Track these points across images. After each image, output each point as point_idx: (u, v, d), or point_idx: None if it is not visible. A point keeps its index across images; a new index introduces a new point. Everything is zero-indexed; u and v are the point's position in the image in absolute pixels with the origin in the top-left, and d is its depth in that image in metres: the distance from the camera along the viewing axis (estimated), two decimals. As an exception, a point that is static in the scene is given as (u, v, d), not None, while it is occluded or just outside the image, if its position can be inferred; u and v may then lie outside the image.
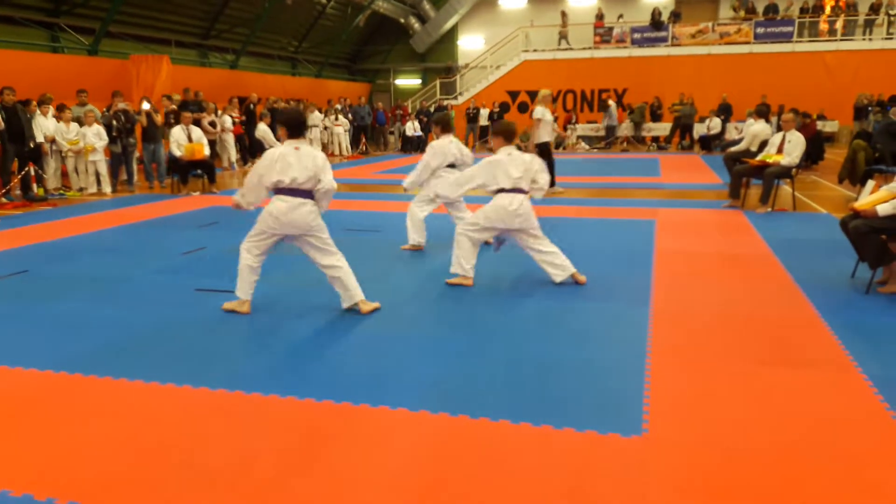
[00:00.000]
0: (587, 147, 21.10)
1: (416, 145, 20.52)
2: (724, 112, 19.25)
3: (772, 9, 22.75)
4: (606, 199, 9.91)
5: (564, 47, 24.11)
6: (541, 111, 10.39)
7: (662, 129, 21.14)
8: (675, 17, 23.45)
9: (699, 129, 19.64)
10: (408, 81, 29.86)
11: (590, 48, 23.78)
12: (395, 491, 2.38)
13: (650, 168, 14.52)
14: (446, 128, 6.51)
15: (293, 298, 4.87)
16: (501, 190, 5.14)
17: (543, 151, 10.23)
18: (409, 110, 23.05)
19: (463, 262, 5.20)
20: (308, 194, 4.34)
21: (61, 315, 4.53)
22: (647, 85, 22.30)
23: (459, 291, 4.99)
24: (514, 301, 4.74)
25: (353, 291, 4.48)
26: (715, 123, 18.92)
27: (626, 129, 21.27)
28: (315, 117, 17.80)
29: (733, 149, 10.19)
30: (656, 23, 22.97)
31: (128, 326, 4.26)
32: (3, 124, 9.44)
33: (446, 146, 6.40)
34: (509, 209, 5.03)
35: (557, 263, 5.15)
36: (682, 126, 20.11)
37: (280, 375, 3.43)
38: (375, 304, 4.55)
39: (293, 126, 4.33)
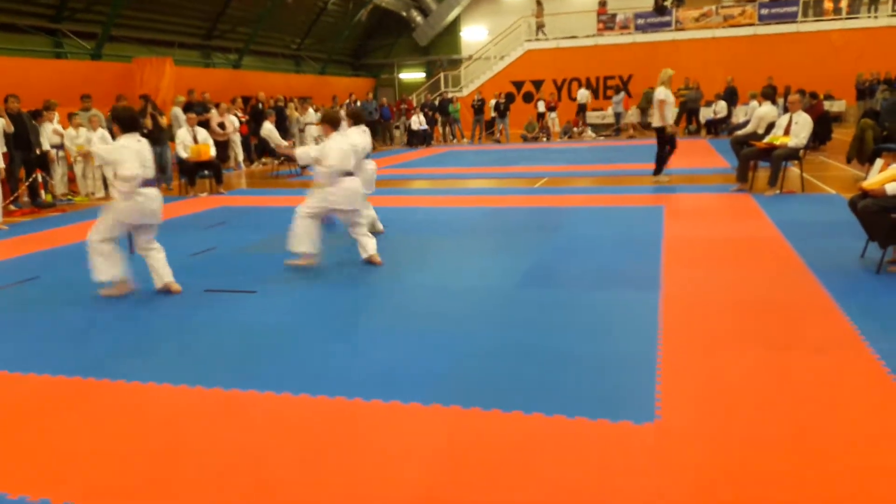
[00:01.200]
0: (594, 135, 21.00)
1: (421, 139, 20.50)
2: (730, 95, 19.09)
3: (775, -11, 22.53)
4: (614, 186, 9.86)
5: (541, 38, 23.98)
6: (663, 92, 9.71)
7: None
8: (679, 1, 23.27)
9: (705, 114, 19.50)
10: (412, 75, 29.81)
11: (593, 35, 23.64)
12: (409, 484, 2.39)
13: (657, 154, 14.41)
14: (336, 125, 5.98)
15: (299, 295, 4.88)
16: (349, 173, 5.60)
17: (664, 136, 9.79)
18: (414, 104, 23.01)
19: (309, 242, 5.54)
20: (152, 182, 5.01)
21: (73, 320, 4.57)
22: (652, 71, 21.94)
23: (466, 284, 4.99)
24: (522, 292, 4.73)
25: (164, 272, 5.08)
26: (721, 107, 18.78)
27: (632, 115, 21.15)
28: (310, 115, 17.75)
29: (740, 132, 10.11)
30: (660, 8, 22.79)
31: (139, 329, 4.29)
32: (12, 128, 9.50)
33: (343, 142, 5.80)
34: (359, 192, 5.65)
35: (366, 244, 5.66)
36: (689, 111, 19.96)
37: (292, 374, 3.45)
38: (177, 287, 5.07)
39: (126, 122, 4.87)
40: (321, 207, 5.63)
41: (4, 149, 9.42)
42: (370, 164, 6.71)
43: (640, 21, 23.08)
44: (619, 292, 4.60)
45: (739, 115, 17.71)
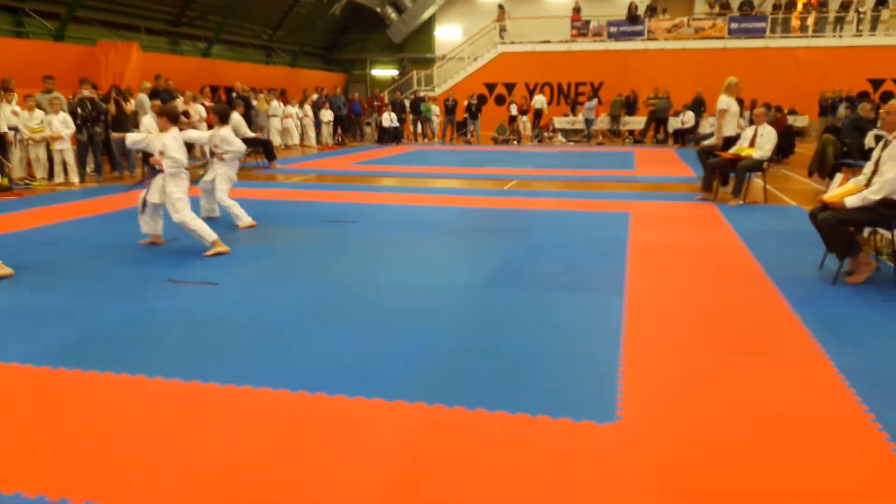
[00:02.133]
0: (564, 140, 21.19)
1: (392, 136, 20.43)
2: (698, 106, 19.45)
3: (746, 4, 23.03)
4: (582, 191, 9.96)
5: (506, 41, 24.17)
6: (726, 101, 9.05)
7: (638, 122, 21.31)
8: (652, 11, 23.62)
9: (674, 123, 19.83)
10: (384, 72, 29.70)
11: (567, 41, 23.85)
12: (373, 480, 2.37)
13: (625, 161, 14.63)
14: (224, 119, 7.17)
15: (265, 289, 4.82)
16: None
17: (727, 147, 8.86)
18: (386, 101, 22.93)
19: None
20: None
21: (28, 307, 4.44)
22: (623, 79, 22.43)
23: (433, 282, 4.98)
24: (488, 292, 4.75)
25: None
26: (688, 117, 19.12)
27: (602, 122, 21.40)
28: (274, 107, 17.58)
29: (706, 142, 10.29)
30: (633, 17, 23.11)
31: (97, 319, 4.19)
32: None
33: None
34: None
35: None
36: (657, 120, 20.28)
37: (254, 368, 3.40)
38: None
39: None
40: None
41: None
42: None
43: (613, 29, 23.37)
44: (584, 295, 4.64)
45: (706, 126, 18.06)
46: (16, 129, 10.39)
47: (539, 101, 21.84)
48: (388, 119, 20.51)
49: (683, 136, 19.13)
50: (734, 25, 22.35)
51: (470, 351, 3.60)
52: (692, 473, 2.41)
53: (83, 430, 2.75)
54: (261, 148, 13.46)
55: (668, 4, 24.44)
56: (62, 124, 10.56)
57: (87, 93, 11.16)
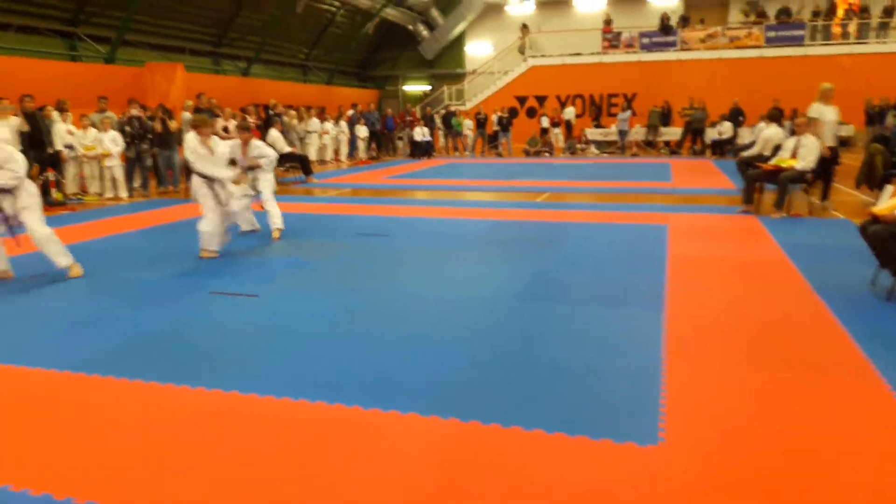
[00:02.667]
0: (597, 151, 21.05)
1: (424, 150, 20.55)
2: (736, 116, 19.15)
3: (783, 12, 22.64)
4: (617, 203, 9.86)
5: (539, 54, 24.17)
6: (818, 109, 8.44)
7: (673, 133, 21.07)
8: (685, 21, 23.40)
9: (710, 134, 19.55)
10: (416, 88, 29.93)
11: (598, 53, 23.74)
12: (403, 497, 2.36)
13: (661, 173, 14.46)
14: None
15: (301, 300, 4.87)
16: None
17: (823, 157, 8.38)
18: (418, 116, 23.11)
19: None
20: None
21: (79, 316, 4.56)
22: (656, 90, 22.23)
23: (466, 295, 4.97)
24: (522, 305, 4.72)
25: None
26: (726, 128, 18.83)
27: (636, 133, 21.22)
28: (313, 124, 17.90)
29: (746, 153, 10.12)
30: (665, 27, 22.92)
31: (144, 328, 4.28)
32: (27, 127, 9.57)
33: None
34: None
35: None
36: (693, 131, 20.02)
37: (291, 378, 3.42)
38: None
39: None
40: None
41: (20, 147, 9.45)
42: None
43: (646, 40, 23.21)
44: (622, 309, 4.58)
45: (745, 137, 17.76)
46: (70, 147, 10.76)
47: (569, 112, 21.76)
48: (420, 133, 20.64)
49: (721, 147, 18.84)
50: (771, 34, 22.00)
51: (505, 366, 3.58)
52: (740, 498, 2.35)
53: (112, 435, 2.80)
54: (298, 163, 13.66)
55: (701, 14, 24.21)
56: (112, 142, 10.92)
57: (135, 112, 11.51)
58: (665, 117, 21.11)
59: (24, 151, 9.53)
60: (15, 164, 5.30)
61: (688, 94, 20.73)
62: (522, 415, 2.96)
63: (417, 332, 4.17)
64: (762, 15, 23.07)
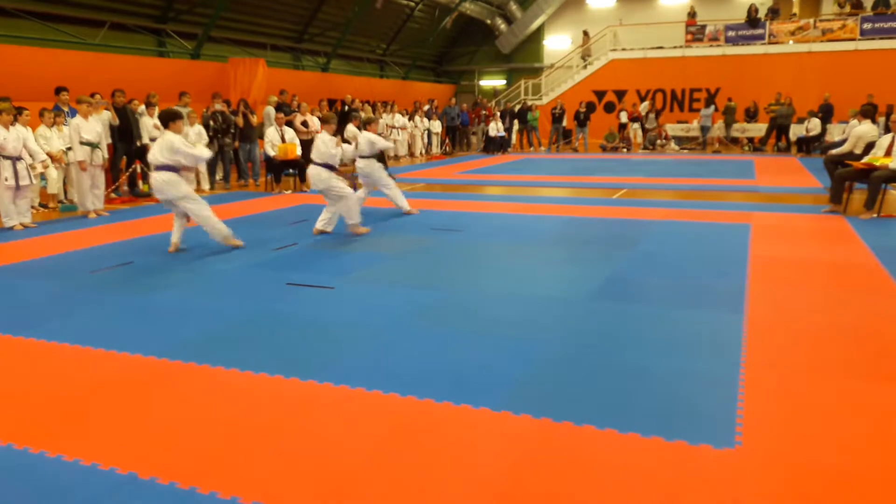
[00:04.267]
0: (677, 148, 20.48)
1: (498, 145, 20.51)
2: (825, 112, 18.24)
3: (881, 3, 21.35)
4: (697, 201, 9.58)
5: (619, 48, 23.57)
6: None
7: (757, 129, 20.25)
8: (773, 13, 22.41)
9: (797, 131, 18.69)
10: (492, 82, 29.88)
11: (681, 47, 23.06)
12: (476, 491, 2.39)
13: (744, 170, 13.95)
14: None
15: (376, 293, 4.97)
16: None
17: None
18: (493, 111, 23.08)
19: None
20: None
21: (163, 304, 4.81)
22: (741, 84, 21.42)
23: (539, 293, 4.95)
24: (597, 304, 4.66)
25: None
26: (814, 124, 17.96)
27: (718, 129, 20.53)
28: (397, 119, 18.21)
29: (835, 151, 9.63)
30: (753, 20, 22.02)
31: (224, 317, 4.47)
32: (117, 121, 10.13)
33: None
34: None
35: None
36: (779, 127, 19.20)
37: (366, 370, 3.50)
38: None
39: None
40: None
41: (110, 140, 10.04)
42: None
43: (731, 33, 22.36)
44: (700, 311, 4.46)
45: (834, 134, 16.90)
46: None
47: (643, 107, 21.24)
48: (495, 128, 20.61)
49: (808, 145, 17.99)
50: (867, 26, 20.79)
51: (577, 364, 3.56)
52: (820, 506, 2.27)
53: (206, 421, 2.94)
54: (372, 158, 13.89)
55: (791, 5, 23.13)
56: (196, 136, 11.40)
57: (218, 106, 11.98)
58: (751, 116, 20.32)
59: (113, 144, 10.14)
60: None
61: (774, 89, 19.88)
62: (595, 414, 2.94)
63: (490, 329, 4.18)
64: (858, 6, 21.82)
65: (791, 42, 21.63)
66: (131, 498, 2.37)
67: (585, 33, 25.52)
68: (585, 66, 24.65)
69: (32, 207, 8.55)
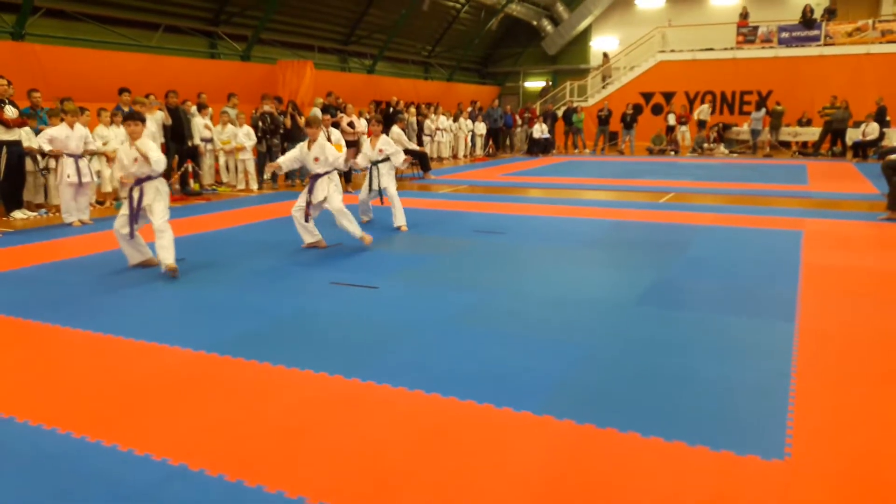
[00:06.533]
0: (726, 151, 20.04)
1: (542, 147, 20.38)
2: (883, 116, 17.60)
3: (945, 2, 20.54)
4: (746, 206, 9.37)
5: (668, 49, 23.09)
6: None
7: (810, 133, 19.68)
8: (830, 14, 21.74)
9: (853, 135, 18.09)
10: (537, 84, 29.72)
11: (732, 48, 22.56)
12: (513, 496, 2.38)
13: (796, 175, 13.57)
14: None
15: (419, 294, 5.00)
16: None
17: None
18: (537, 112, 22.95)
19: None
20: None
21: (212, 300, 4.93)
22: (794, 87, 20.85)
23: (583, 297, 4.91)
24: (642, 309, 4.60)
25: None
26: (872, 128, 17.34)
27: (767, 133, 20.03)
28: (442, 121, 18.30)
29: (894, 156, 9.28)
30: (807, 21, 21.40)
31: (270, 315, 4.55)
32: (170, 121, 10.43)
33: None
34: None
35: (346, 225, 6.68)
36: (834, 131, 18.61)
37: (408, 369, 3.53)
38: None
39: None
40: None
41: (163, 140, 10.33)
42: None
43: (785, 34, 21.76)
44: (749, 318, 4.36)
45: (893, 138, 16.31)
46: (209, 141, 11.60)
47: (704, 111, 20.80)
48: (539, 130, 20.50)
49: (864, 149, 17.40)
50: (931, 26, 19.99)
51: (623, 369, 3.52)
52: (874, 523, 2.20)
53: (252, 416, 3.00)
54: (417, 160, 13.97)
55: (849, 6, 22.40)
56: (246, 136, 11.68)
57: (267, 108, 12.22)
58: (803, 123, 19.80)
59: (166, 144, 10.43)
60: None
61: (829, 92, 19.28)
62: (640, 421, 2.90)
63: (534, 331, 4.17)
64: (920, 5, 21.02)
65: (847, 44, 20.95)
66: (182, 489, 2.44)
67: (605, 56, 25.48)
68: (605, 86, 24.40)
69: (90, 204, 8.84)
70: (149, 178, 5.71)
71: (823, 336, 3.99)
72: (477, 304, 4.78)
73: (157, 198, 5.75)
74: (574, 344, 3.92)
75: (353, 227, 6.69)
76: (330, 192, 6.63)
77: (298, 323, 4.40)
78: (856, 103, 18.39)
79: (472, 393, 3.20)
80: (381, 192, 8.02)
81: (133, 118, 5.73)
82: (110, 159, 9.62)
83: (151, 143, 5.73)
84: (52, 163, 8.94)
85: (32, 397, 3.25)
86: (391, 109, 16.55)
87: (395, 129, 13.80)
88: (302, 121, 12.76)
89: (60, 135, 8.25)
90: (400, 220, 7.82)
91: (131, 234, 5.73)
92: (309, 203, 6.60)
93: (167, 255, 5.58)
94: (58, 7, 13.22)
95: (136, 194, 5.69)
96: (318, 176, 6.63)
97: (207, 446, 2.74)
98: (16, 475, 2.55)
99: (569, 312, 4.56)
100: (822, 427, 2.84)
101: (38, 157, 8.96)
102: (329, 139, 11.29)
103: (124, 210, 5.73)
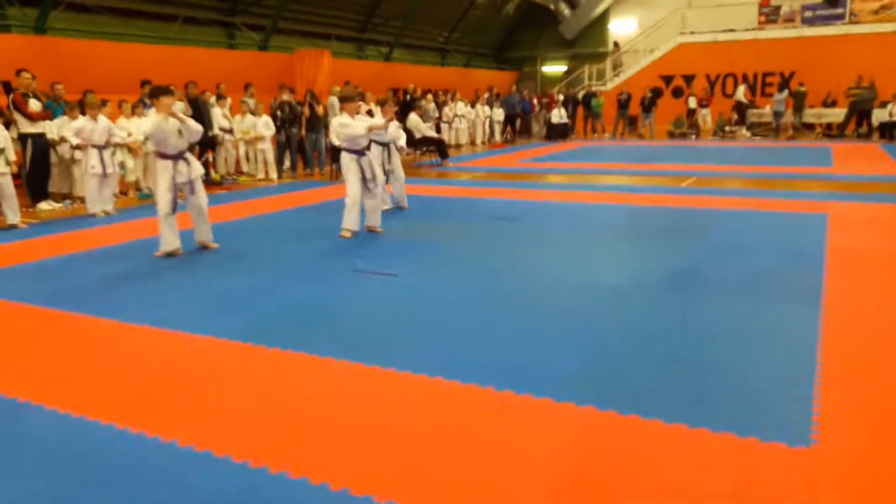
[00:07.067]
0: (748, 134, 19.75)
1: (560, 132, 20.23)
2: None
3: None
4: (770, 190, 9.23)
5: (688, 31, 22.70)
6: None
7: (835, 115, 19.31)
8: (855, -9, 21.26)
9: (879, 116, 17.72)
10: (555, 68, 29.45)
11: (753, 29, 22.16)
12: (539, 482, 2.38)
13: (821, 157, 13.35)
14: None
15: (437, 281, 5.00)
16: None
17: None
18: (556, 97, 22.77)
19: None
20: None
21: (235, 288, 4.97)
22: (818, 67, 20.43)
23: (604, 282, 4.88)
24: (664, 295, 4.56)
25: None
26: (899, 108, 16.99)
27: (790, 115, 19.69)
28: (459, 107, 18.25)
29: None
30: (831, -1, 20.97)
31: (293, 302, 4.59)
32: (190, 112, 10.49)
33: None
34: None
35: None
36: (860, 112, 18.24)
37: (429, 356, 3.54)
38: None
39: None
40: None
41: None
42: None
43: (808, 14, 21.33)
44: (774, 304, 4.30)
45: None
46: (230, 131, 11.66)
47: (741, 91, 20.36)
48: (557, 115, 20.34)
49: (892, 130, 17.05)
50: (961, 2, 19.48)
51: (645, 355, 3.49)
52: (903, 510, 2.17)
53: (276, 403, 3.03)
54: (434, 146, 13.95)
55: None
56: (265, 126, 11.72)
57: (286, 97, 12.25)
58: (827, 104, 19.43)
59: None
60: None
61: (854, 72, 18.88)
62: (663, 407, 2.88)
63: (554, 317, 4.15)
64: (949, -19, 20.46)
65: (873, 22, 20.48)
66: (207, 474, 2.47)
67: (616, 44, 25.23)
68: (617, 74, 24.15)
69: (114, 195, 8.95)
70: (183, 153, 5.90)
71: (849, 321, 3.93)
72: (497, 290, 4.77)
73: (197, 175, 6.02)
74: (596, 330, 3.90)
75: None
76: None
77: (321, 310, 4.43)
78: (882, 83, 17.99)
79: (492, 379, 3.20)
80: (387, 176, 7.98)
81: (165, 92, 5.85)
82: (133, 150, 9.71)
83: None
84: (78, 153, 9.05)
85: (60, 386, 3.31)
86: (408, 97, 16.51)
87: (413, 116, 13.77)
88: (320, 109, 12.78)
89: (85, 127, 8.37)
90: (404, 201, 8.21)
91: (174, 209, 5.92)
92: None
93: (209, 233, 6.21)
94: (78, 1, 13.33)
95: (183, 168, 5.89)
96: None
97: (230, 433, 2.77)
98: (45, 462, 2.60)
99: (591, 298, 4.53)
100: (849, 414, 2.80)
101: (64, 149, 9.08)
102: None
103: (166, 190, 5.84)
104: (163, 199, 5.86)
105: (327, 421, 2.87)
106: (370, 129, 6.57)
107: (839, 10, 20.91)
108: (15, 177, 7.84)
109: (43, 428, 2.88)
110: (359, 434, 2.74)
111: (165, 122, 5.76)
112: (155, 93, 5.90)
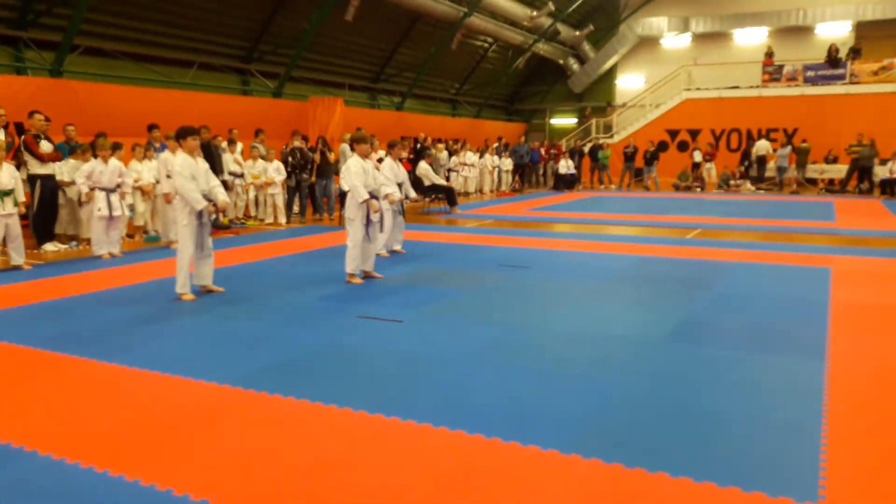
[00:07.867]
0: (753, 188, 19.91)
1: (568, 183, 20.43)
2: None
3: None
4: (774, 242, 9.28)
5: (694, 87, 23.12)
6: None
7: (837, 171, 19.51)
8: (855, 53, 21.73)
9: (880, 172, 17.91)
10: (563, 121, 29.92)
11: (757, 87, 22.58)
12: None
13: (824, 212, 13.42)
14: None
15: (443, 329, 5.01)
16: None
17: None
18: (563, 149, 23.07)
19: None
20: None
21: (238, 333, 4.96)
22: (819, 125, 20.76)
23: (610, 332, 4.88)
24: (670, 346, 4.56)
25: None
26: (900, 166, 17.16)
27: (794, 170, 19.90)
28: (469, 156, 18.52)
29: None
30: (833, 60, 21.40)
31: (295, 348, 4.58)
32: (202, 155, 10.66)
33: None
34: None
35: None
36: (861, 168, 18.44)
37: (433, 405, 3.52)
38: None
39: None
40: None
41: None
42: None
43: (810, 73, 21.78)
44: (779, 356, 4.30)
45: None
46: (240, 176, 11.82)
47: (763, 146, 20.50)
48: (565, 166, 20.59)
49: (892, 186, 17.20)
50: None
51: (651, 408, 3.48)
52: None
53: (270, 450, 3.01)
54: (444, 194, 14.10)
55: (873, 45, 22.35)
56: (276, 171, 11.90)
57: (297, 143, 12.46)
58: (829, 160, 19.66)
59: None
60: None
61: (855, 130, 19.16)
62: (668, 460, 2.87)
63: (560, 368, 4.15)
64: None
65: (873, 82, 20.88)
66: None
67: (609, 104, 26.13)
68: (612, 135, 24.57)
69: (121, 238, 9.01)
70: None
71: (855, 375, 3.92)
72: (503, 339, 4.77)
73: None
74: (601, 381, 3.89)
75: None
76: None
77: (323, 357, 4.43)
78: (882, 141, 18.26)
79: (498, 430, 3.18)
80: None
81: (191, 133, 6.02)
82: (145, 193, 9.85)
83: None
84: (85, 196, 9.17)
85: (57, 431, 3.25)
86: (419, 146, 16.78)
87: (423, 164, 13.95)
88: (332, 156, 12.98)
89: (95, 169, 8.50)
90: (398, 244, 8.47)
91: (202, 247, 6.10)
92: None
93: (211, 276, 6.28)
94: (96, 45, 13.68)
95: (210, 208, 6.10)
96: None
97: (228, 482, 2.75)
98: (43, 505, 2.56)
99: (596, 349, 4.53)
100: (857, 468, 2.79)
101: (72, 191, 9.19)
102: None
103: (192, 231, 6.01)
104: (191, 246, 6.02)
105: (328, 470, 2.84)
106: (365, 202, 6.66)
107: (840, 71, 21.35)
108: (22, 217, 7.89)
109: (36, 474, 2.82)
110: (360, 485, 2.72)
111: (195, 162, 5.97)
112: (182, 133, 6.04)
